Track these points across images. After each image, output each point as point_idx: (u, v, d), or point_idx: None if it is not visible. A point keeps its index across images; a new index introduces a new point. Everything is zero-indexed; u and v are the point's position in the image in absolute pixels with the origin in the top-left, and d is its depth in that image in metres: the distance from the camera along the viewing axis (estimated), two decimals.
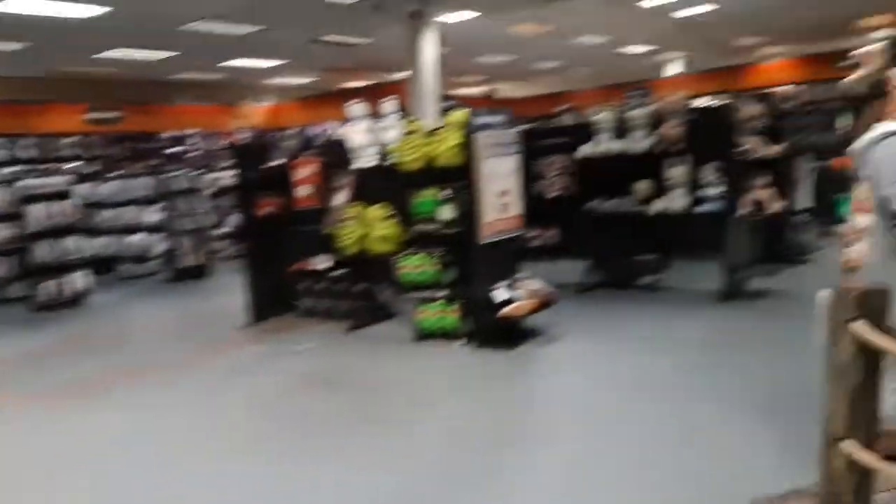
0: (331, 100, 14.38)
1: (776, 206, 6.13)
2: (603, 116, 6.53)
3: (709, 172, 5.90)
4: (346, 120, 6.32)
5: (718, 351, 4.71)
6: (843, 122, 11.09)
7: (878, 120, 2.52)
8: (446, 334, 5.35)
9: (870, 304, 1.79)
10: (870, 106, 2.59)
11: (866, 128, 2.56)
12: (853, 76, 2.05)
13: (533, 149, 6.40)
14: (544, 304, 5.29)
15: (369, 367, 5.04)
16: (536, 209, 6.07)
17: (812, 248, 7.22)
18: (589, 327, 5.47)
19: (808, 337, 4.60)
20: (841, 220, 8.58)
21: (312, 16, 10.07)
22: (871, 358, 1.81)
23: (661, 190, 6.11)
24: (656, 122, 6.18)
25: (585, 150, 6.46)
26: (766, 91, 11.69)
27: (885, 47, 1.88)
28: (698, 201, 5.95)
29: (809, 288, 6.53)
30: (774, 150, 6.25)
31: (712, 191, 5.88)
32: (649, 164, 6.13)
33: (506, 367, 4.82)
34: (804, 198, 7.49)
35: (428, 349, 5.29)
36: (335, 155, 6.17)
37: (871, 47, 1.91)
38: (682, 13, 12.29)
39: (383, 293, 6.16)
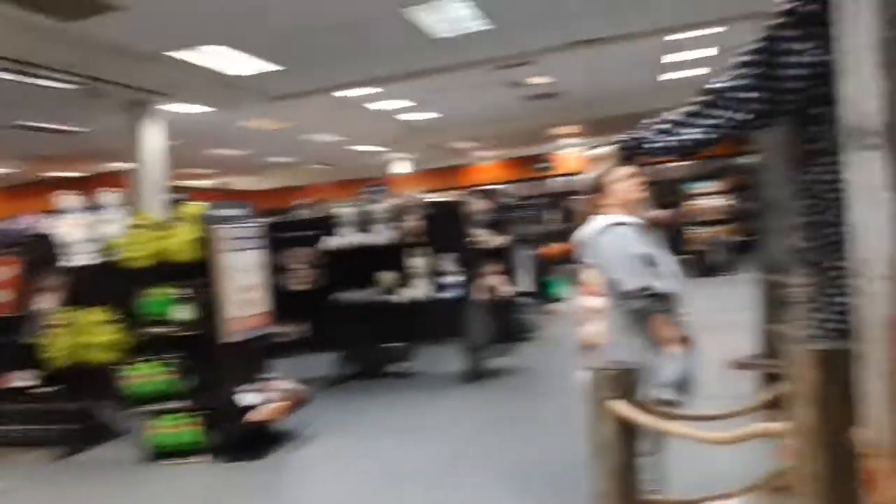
0: (37, 190, 12.73)
1: (506, 289, 6.66)
2: (345, 210, 6.61)
3: (447, 261, 6.22)
4: (55, 212, 5.57)
5: (477, 433, 4.82)
6: (550, 215, 12.72)
7: (596, 212, 2.86)
8: (187, 450, 4.76)
9: (626, 383, 1.92)
10: (584, 201, 2.98)
11: (583, 220, 2.92)
12: (587, 175, 2.29)
13: (276, 241, 6.21)
14: (297, 404, 5.01)
15: (89, 502, 4.26)
16: (283, 303, 5.83)
17: (534, 327, 7.92)
18: (344, 422, 5.29)
19: (555, 411, 4.96)
20: (554, 300, 9.55)
21: (13, 98, 8.93)
22: (630, 434, 1.92)
23: (404, 279, 6.28)
24: (397, 215, 6.41)
25: (331, 242, 6.45)
26: (486, 188, 12.94)
27: (614, 151, 2.12)
28: (439, 288, 6.21)
29: (541, 363, 7.09)
30: (500, 240, 6.84)
31: (451, 278, 6.20)
32: (392, 255, 6.30)
33: (258, 479, 4.40)
34: (524, 282, 8.25)
35: (165, 470, 4.65)
36: (40, 252, 5.36)
37: (602, 150, 2.16)
38: (405, 117, 13.28)
39: (106, 410, 5.36)
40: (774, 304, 4.65)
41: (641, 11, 7.71)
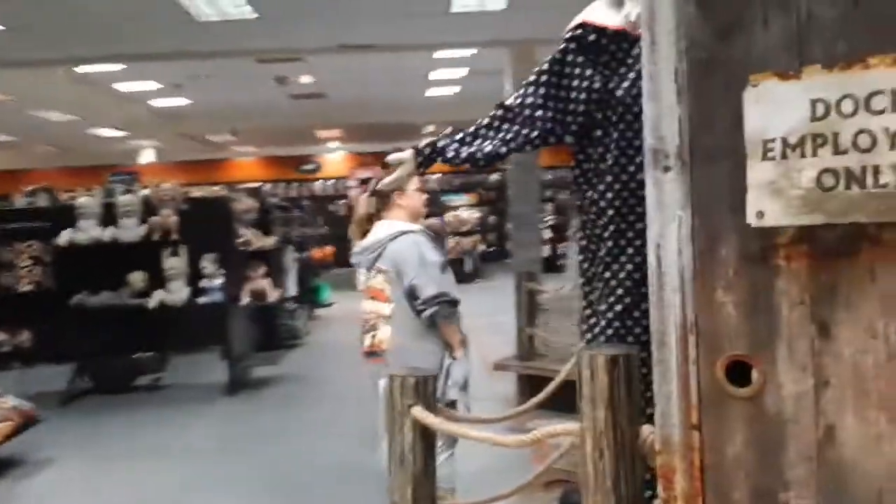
0: None
1: (273, 294, 6.40)
2: (86, 201, 5.86)
3: (208, 263, 5.80)
4: None
5: (235, 451, 4.50)
6: (317, 218, 12.56)
7: (379, 218, 2.87)
8: None
9: (425, 389, 1.91)
10: (366, 205, 2.94)
11: (364, 224, 2.92)
12: (388, 178, 2.26)
13: None
14: (22, 426, 4.30)
15: None
16: (3, 306, 4.99)
17: (302, 333, 7.74)
18: (83, 445, 4.65)
19: (321, 421, 4.84)
20: (322, 305, 9.44)
21: None
22: (429, 441, 1.92)
23: (159, 281, 5.73)
24: (149, 210, 5.84)
25: (66, 237, 5.66)
26: (248, 186, 12.40)
27: (411, 157, 2.11)
28: (199, 292, 5.77)
29: (309, 370, 6.94)
30: (269, 241, 6.56)
31: (213, 281, 5.79)
32: (145, 254, 5.71)
33: None
34: (292, 286, 8.03)
35: None
36: None
37: (401, 155, 2.13)
38: (157, 102, 12.22)
39: None
40: (529, 310, 5.04)
41: (412, 23, 7.92)
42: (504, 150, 2.01)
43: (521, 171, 8.88)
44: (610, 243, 2.01)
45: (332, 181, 17.73)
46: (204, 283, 5.77)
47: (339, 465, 3.96)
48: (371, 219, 2.88)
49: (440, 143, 2.09)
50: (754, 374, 1.22)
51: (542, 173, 11.31)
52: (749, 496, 1.23)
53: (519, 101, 1.99)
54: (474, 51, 9.75)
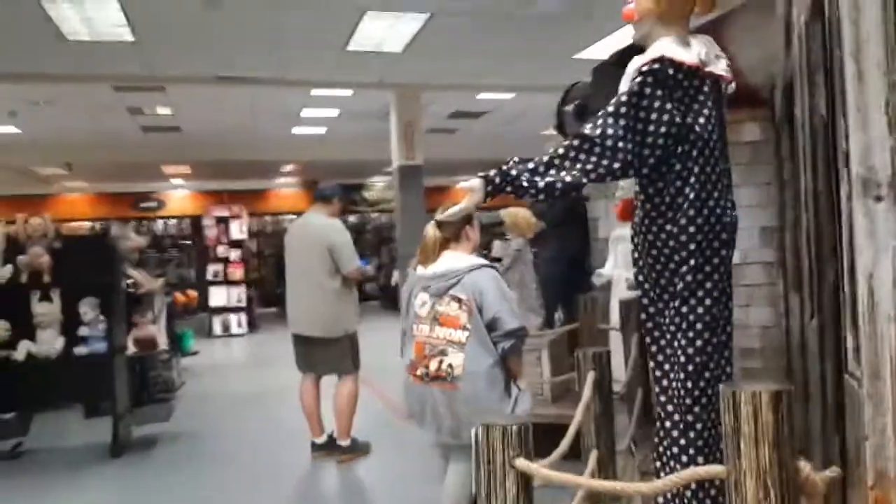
0: None
1: (162, 342, 5.73)
2: None
3: (88, 308, 5.09)
4: None
5: None
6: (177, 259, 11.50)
7: (444, 250, 2.90)
8: None
9: (527, 439, 1.75)
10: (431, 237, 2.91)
11: (428, 253, 2.92)
12: (455, 208, 2.08)
13: None
14: None
15: None
16: None
17: (177, 384, 7.01)
18: None
19: (220, 483, 4.33)
20: (187, 353, 8.65)
21: None
22: (530, 495, 1.75)
23: (26, 331, 4.92)
24: (14, 248, 5.04)
25: None
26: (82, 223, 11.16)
27: (481, 185, 1.97)
28: (76, 341, 5.03)
29: (193, 426, 6.26)
30: (157, 284, 5.90)
31: (93, 329, 5.08)
32: (7, 300, 4.89)
33: None
34: (162, 333, 7.28)
35: None
36: None
37: (472, 183, 1.98)
38: None
39: None
40: None
41: (304, 57, 7.67)
42: (585, 180, 1.94)
43: (407, 215, 8.84)
44: (689, 277, 1.99)
45: (176, 220, 16.55)
46: (83, 332, 5.04)
47: None
48: (439, 247, 2.92)
49: (513, 172, 1.97)
50: None
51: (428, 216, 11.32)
52: None
53: (599, 131, 1.93)
54: (350, 92, 9.63)
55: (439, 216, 2.45)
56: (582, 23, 6.78)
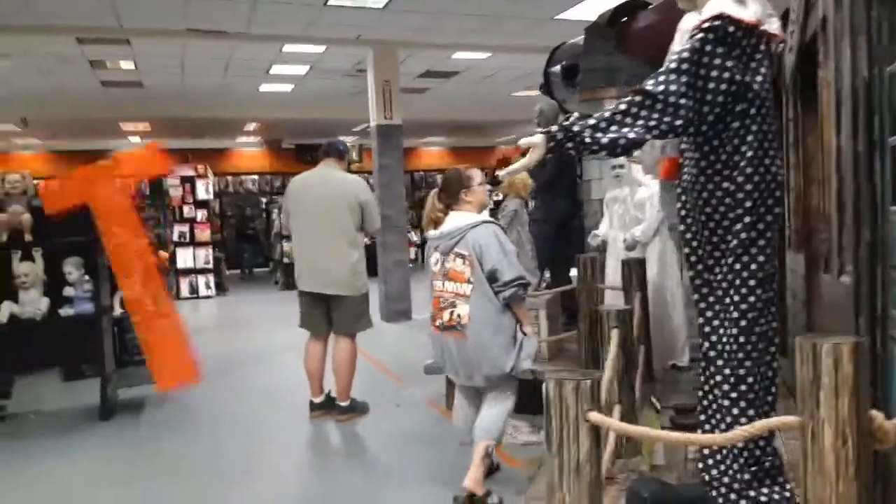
0: None
1: (150, 304, 5.58)
2: None
3: (73, 268, 4.93)
4: None
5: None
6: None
7: (452, 208, 3.24)
8: None
9: (599, 393, 1.77)
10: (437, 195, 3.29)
11: (434, 215, 3.30)
12: (516, 164, 2.06)
13: None
14: None
15: None
16: None
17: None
18: None
19: (210, 452, 4.31)
20: None
21: None
22: (598, 447, 1.78)
23: (9, 291, 4.75)
24: None
25: None
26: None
27: (543, 141, 1.95)
28: (60, 302, 4.88)
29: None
30: (143, 242, 5.71)
31: (78, 290, 4.93)
32: None
33: None
34: None
35: None
36: None
37: (533, 139, 1.96)
38: None
39: None
40: None
41: (281, 11, 7.42)
42: (648, 136, 1.94)
43: (386, 175, 8.75)
44: (743, 234, 2.02)
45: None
46: (68, 292, 4.89)
47: None
48: (443, 210, 3.26)
49: (575, 128, 1.96)
50: None
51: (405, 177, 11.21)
52: None
53: (662, 87, 1.93)
54: (322, 48, 9.38)
55: (501, 173, 2.48)
56: None
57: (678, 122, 1.93)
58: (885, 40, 2.11)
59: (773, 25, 2.05)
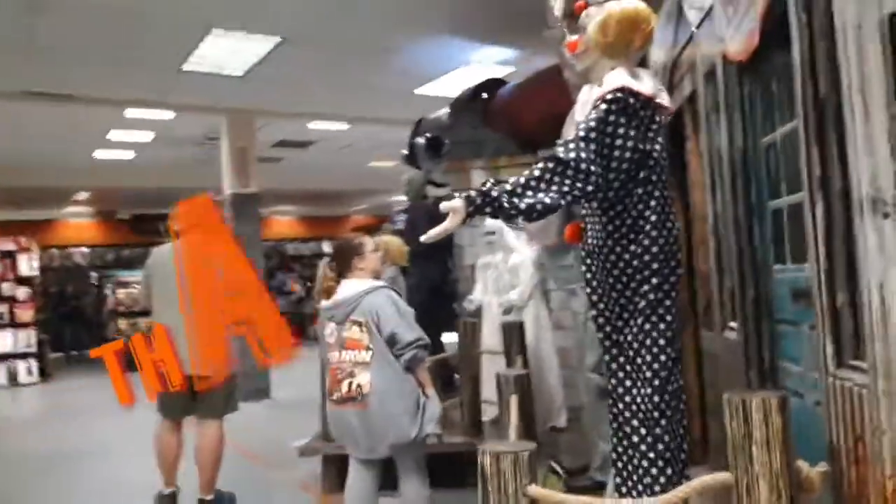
0: None
1: None
2: None
3: None
4: None
5: None
6: None
7: (345, 275, 3.22)
8: None
9: (536, 465, 1.71)
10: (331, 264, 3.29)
11: (326, 285, 3.25)
12: (438, 228, 1.96)
13: None
14: None
15: None
16: None
17: None
18: None
19: None
20: None
21: None
22: None
23: None
24: None
25: None
26: None
27: (462, 205, 1.91)
28: None
29: None
30: None
31: None
32: None
33: None
34: None
35: None
36: None
37: (453, 204, 1.90)
38: None
39: None
40: None
41: (133, 75, 7.00)
42: (562, 201, 1.96)
43: (242, 245, 8.34)
44: (651, 295, 2.08)
45: None
46: None
47: None
48: (335, 280, 3.21)
49: (493, 193, 1.94)
50: None
51: (263, 245, 10.73)
52: None
53: (573, 154, 1.98)
54: (172, 114, 8.97)
55: (423, 238, 2.40)
56: (423, 60, 6.92)
57: (589, 188, 1.98)
58: (757, 115, 2.32)
59: (664, 99, 2.19)
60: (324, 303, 3.22)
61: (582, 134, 2.01)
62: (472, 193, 1.96)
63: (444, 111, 6.51)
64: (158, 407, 4.37)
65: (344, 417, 3.09)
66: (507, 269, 4.65)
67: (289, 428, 4.54)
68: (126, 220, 16.49)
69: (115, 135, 10.00)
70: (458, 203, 1.94)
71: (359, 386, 3.00)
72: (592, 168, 1.98)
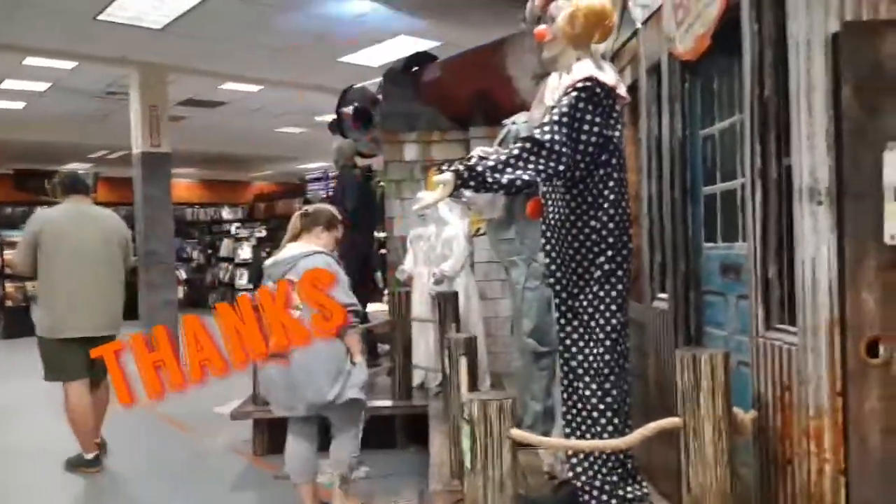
0: None
1: None
2: None
3: None
4: None
5: None
6: None
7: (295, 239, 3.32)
8: None
9: (516, 412, 1.92)
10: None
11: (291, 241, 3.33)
12: (428, 199, 2.10)
13: None
14: None
15: None
16: None
17: None
18: None
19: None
20: None
21: None
22: (516, 460, 1.93)
23: None
24: None
25: None
26: None
27: (451, 178, 2.07)
28: None
29: None
30: None
31: None
32: None
33: None
34: None
35: None
36: None
37: (444, 176, 2.06)
38: None
39: None
40: None
41: (32, 23, 6.57)
42: (538, 178, 2.16)
43: (152, 207, 8.08)
44: (606, 266, 2.33)
45: None
46: None
47: None
48: (297, 234, 3.32)
49: (478, 168, 2.11)
50: (881, 349, 1.73)
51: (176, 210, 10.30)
52: (881, 436, 1.73)
53: (548, 136, 2.17)
54: (75, 63, 8.46)
55: (416, 207, 2.49)
56: (348, 28, 6.92)
57: (561, 168, 2.19)
58: (697, 109, 2.61)
59: (622, 89, 2.42)
60: (267, 261, 3.32)
61: (556, 118, 2.21)
62: (461, 168, 2.12)
63: (372, 81, 6.57)
64: (52, 374, 4.34)
65: (268, 373, 3.17)
66: (442, 241, 4.82)
67: (213, 394, 4.53)
68: (8, 175, 15.35)
69: (9, 84, 9.32)
70: (447, 176, 2.10)
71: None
72: (564, 150, 2.19)
